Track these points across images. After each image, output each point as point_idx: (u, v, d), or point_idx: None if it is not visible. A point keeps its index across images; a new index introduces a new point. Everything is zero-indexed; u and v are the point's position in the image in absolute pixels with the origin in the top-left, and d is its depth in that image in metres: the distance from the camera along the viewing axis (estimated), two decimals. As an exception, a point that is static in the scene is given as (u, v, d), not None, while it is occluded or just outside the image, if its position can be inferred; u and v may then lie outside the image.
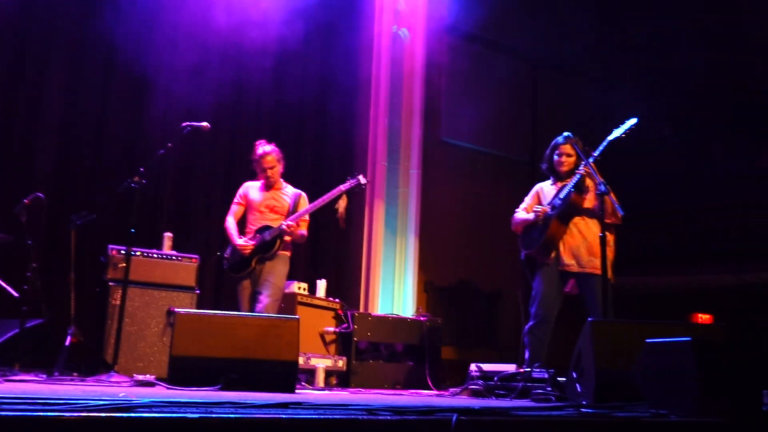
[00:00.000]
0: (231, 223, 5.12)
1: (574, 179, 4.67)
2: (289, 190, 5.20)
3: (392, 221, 7.93)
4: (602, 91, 10.33)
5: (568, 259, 4.67)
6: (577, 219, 4.69)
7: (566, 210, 4.68)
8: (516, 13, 9.24)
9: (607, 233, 4.50)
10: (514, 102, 9.36)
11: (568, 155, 4.79)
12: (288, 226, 4.90)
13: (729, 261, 8.92)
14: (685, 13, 10.29)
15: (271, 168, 5.09)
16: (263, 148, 5.11)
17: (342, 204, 4.93)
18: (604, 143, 4.59)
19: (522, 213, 4.93)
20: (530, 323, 4.68)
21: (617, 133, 4.57)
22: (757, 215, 8.93)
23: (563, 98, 9.81)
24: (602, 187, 4.27)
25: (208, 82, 6.58)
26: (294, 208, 5.03)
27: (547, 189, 4.94)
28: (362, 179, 5.04)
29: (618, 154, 4.73)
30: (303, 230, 5.05)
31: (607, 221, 4.49)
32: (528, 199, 5.01)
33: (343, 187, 4.99)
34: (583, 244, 4.65)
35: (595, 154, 4.58)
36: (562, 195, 4.73)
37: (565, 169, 4.82)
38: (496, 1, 8.70)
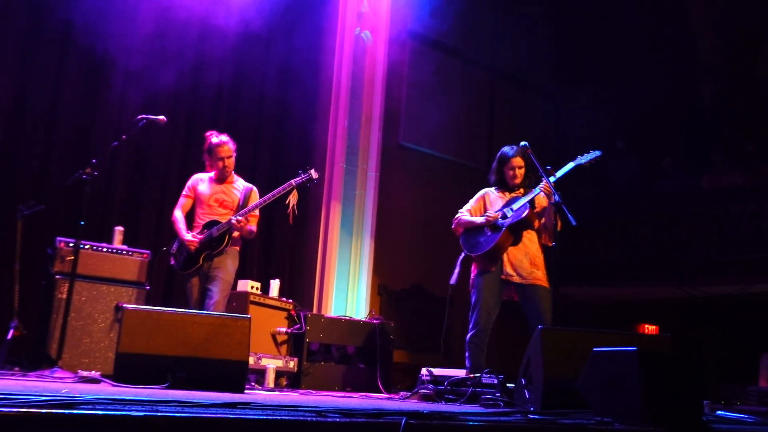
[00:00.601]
0: (179, 216, 4.95)
1: (531, 195, 4.70)
2: (240, 185, 5.06)
3: (348, 223, 7.91)
4: (558, 105, 10.54)
5: (510, 270, 4.71)
6: (524, 232, 4.77)
7: (520, 224, 4.73)
8: (479, 23, 9.36)
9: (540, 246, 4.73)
10: (473, 110, 9.47)
11: (520, 167, 4.83)
12: (237, 221, 4.77)
13: (674, 274, 9.14)
14: (641, 35, 10.57)
15: (229, 158, 4.94)
16: (219, 137, 4.95)
17: (293, 199, 4.83)
18: (568, 168, 4.65)
19: (467, 215, 4.94)
20: (471, 332, 4.71)
21: (581, 160, 4.66)
22: (701, 229, 9.16)
23: (520, 110, 9.99)
24: (557, 197, 4.33)
25: (167, 71, 6.41)
26: (244, 203, 4.91)
27: (492, 196, 4.96)
28: (314, 174, 4.93)
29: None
30: (252, 226, 4.94)
31: (543, 237, 4.77)
32: (473, 203, 5.02)
33: (294, 182, 4.87)
34: (526, 256, 4.71)
35: (558, 176, 4.61)
36: (515, 207, 4.76)
37: (518, 181, 4.86)
38: (460, 9, 8.81)
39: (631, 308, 10.81)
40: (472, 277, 4.91)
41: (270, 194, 4.84)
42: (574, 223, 4.32)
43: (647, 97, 9.97)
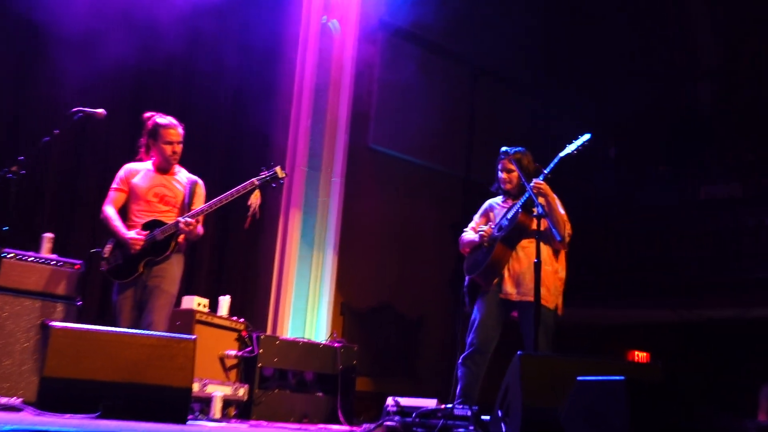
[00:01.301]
0: (112, 212, 4.67)
1: (523, 198, 4.71)
2: (183, 177, 4.83)
3: (309, 233, 7.86)
4: (546, 107, 10.65)
5: (509, 287, 4.71)
6: (524, 242, 4.74)
7: (512, 232, 4.72)
8: (460, 16, 9.39)
9: (553, 258, 4.71)
10: (450, 111, 9.50)
11: (508, 171, 4.85)
12: (186, 224, 4.53)
13: (666, 295, 9.23)
14: (635, 33, 10.75)
15: (179, 143, 4.73)
16: (166, 117, 4.77)
17: (255, 201, 4.61)
18: (556, 159, 4.69)
19: (470, 233, 4.95)
20: (465, 353, 4.70)
21: (570, 149, 4.71)
22: (697, 246, 9.28)
23: (504, 111, 10.04)
24: (540, 209, 4.37)
25: (109, 56, 6.23)
26: (190, 199, 4.72)
27: (497, 207, 4.99)
28: (280, 172, 4.71)
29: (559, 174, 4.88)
30: (200, 227, 4.70)
31: (553, 246, 4.69)
32: (477, 218, 5.05)
33: (256, 180, 4.66)
34: (529, 270, 4.64)
35: (546, 171, 4.67)
36: (509, 215, 4.78)
37: (508, 187, 4.89)
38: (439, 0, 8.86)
39: (619, 333, 10.91)
40: (476, 298, 4.92)
41: (227, 193, 4.63)
42: (558, 237, 4.41)
43: (640, 99, 10.10)
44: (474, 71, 9.86)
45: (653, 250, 9.48)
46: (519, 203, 4.72)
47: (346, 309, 8.27)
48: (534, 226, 4.55)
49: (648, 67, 10.64)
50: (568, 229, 4.74)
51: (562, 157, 4.70)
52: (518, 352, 3.34)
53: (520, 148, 4.85)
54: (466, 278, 4.91)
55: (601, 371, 3.04)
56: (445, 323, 8.74)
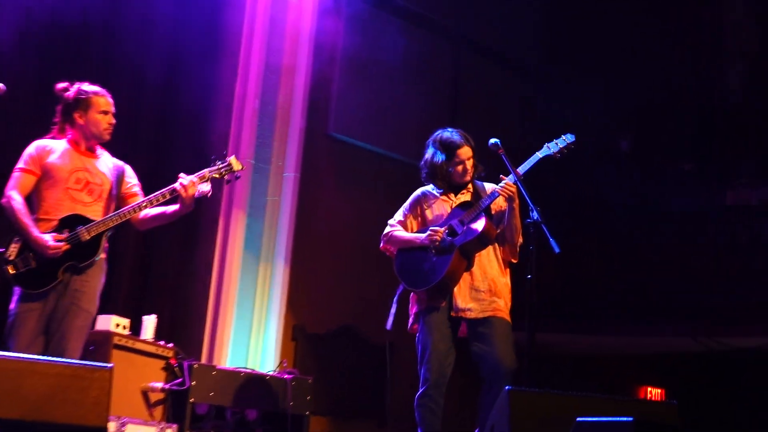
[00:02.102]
0: (19, 201, 4.50)
1: (488, 199, 4.79)
2: (107, 161, 4.82)
3: (255, 241, 7.80)
4: (548, 92, 10.67)
5: (464, 302, 4.78)
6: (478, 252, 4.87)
7: (474, 242, 4.77)
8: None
9: (503, 268, 4.88)
10: (429, 92, 9.50)
11: (469, 158, 4.91)
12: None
13: (686, 319, 9.27)
14: (654, 9, 10.82)
15: (113, 113, 4.73)
16: (91, 86, 4.75)
17: (207, 188, 4.63)
18: (532, 161, 4.79)
19: (400, 229, 5.03)
20: (421, 390, 4.78)
21: (550, 150, 4.82)
22: (722, 261, 9.38)
23: (493, 93, 10.04)
24: (535, 215, 4.42)
25: (10, 15, 6.22)
26: (118, 190, 4.72)
27: (433, 199, 5.04)
28: (235, 163, 4.75)
29: (551, 170, 4.93)
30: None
31: (504, 257, 4.87)
32: (406, 210, 5.11)
33: (208, 172, 4.66)
34: (484, 281, 4.81)
35: (521, 171, 4.72)
36: (465, 217, 4.80)
37: (468, 178, 4.96)
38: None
39: (628, 364, 10.99)
40: (411, 317, 4.97)
41: (169, 188, 4.60)
42: (557, 249, 4.39)
43: (659, 85, 10.20)
44: (458, 46, 9.88)
45: (671, 265, 9.53)
46: (484, 204, 4.78)
47: (299, 332, 8.21)
48: (494, 234, 4.80)
49: (669, 49, 10.70)
50: (520, 239, 4.88)
51: (540, 159, 4.80)
52: (506, 387, 3.36)
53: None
54: (400, 288, 4.98)
55: (605, 410, 3.07)
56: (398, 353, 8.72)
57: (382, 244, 5.11)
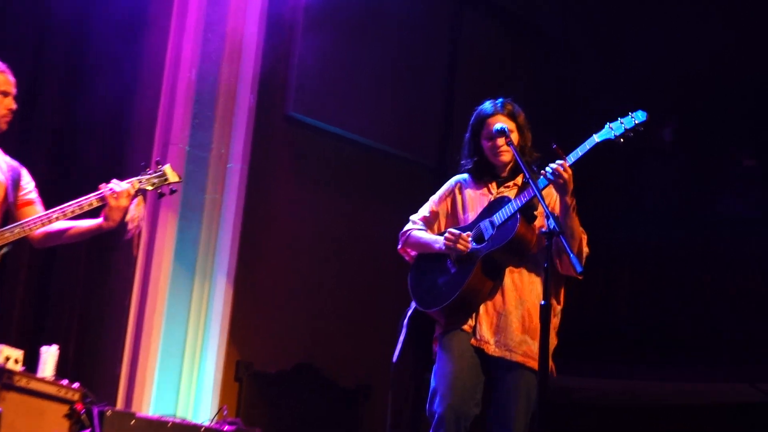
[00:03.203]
0: None
1: (528, 193, 4.64)
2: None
3: (189, 251, 7.78)
4: (571, 63, 10.72)
5: (485, 332, 4.72)
6: (513, 262, 4.78)
7: (504, 250, 4.67)
8: None
9: (552, 294, 4.64)
10: (419, 61, 9.50)
11: (504, 132, 4.79)
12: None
13: (742, 360, 9.27)
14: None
15: (13, 95, 4.72)
16: None
17: (137, 212, 4.68)
18: (588, 146, 4.65)
19: (420, 230, 5.00)
20: (436, 414, 4.65)
21: (612, 132, 4.63)
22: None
23: (502, 65, 10.08)
24: (552, 223, 4.37)
25: None
26: (15, 196, 4.76)
27: (469, 191, 5.02)
28: (171, 173, 4.77)
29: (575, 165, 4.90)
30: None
31: (563, 272, 4.69)
32: (436, 202, 5.08)
33: (137, 182, 4.69)
34: (516, 311, 4.73)
35: (572, 159, 4.61)
36: (497, 218, 4.73)
37: (504, 159, 4.88)
38: None
39: (669, 415, 11.01)
40: (435, 338, 4.89)
41: (96, 194, 4.63)
42: (579, 268, 4.29)
43: (711, 57, 10.23)
44: (459, 2, 9.93)
45: (726, 289, 9.59)
46: (520, 203, 4.66)
47: (244, 371, 8.19)
48: (535, 242, 4.66)
49: (722, 11, 10.76)
50: (585, 249, 4.78)
51: (597, 144, 4.65)
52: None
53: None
54: (412, 306, 4.95)
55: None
56: (402, 396, 8.71)
57: (399, 245, 5.10)
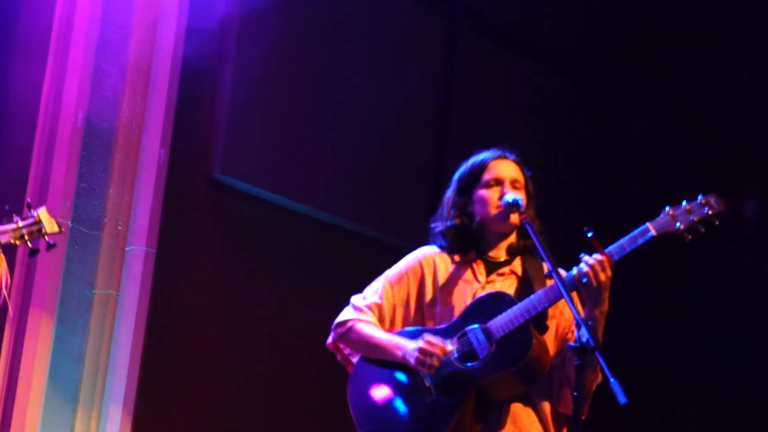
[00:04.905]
0: None
1: (550, 294, 4.64)
2: None
3: (69, 370, 7.59)
4: (594, 94, 10.89)
5: None
6: (514, 390, 4.86)
7: (513, 378, 4.72)
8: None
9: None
10: (403, 92, 9.54)
11: (514, 180, 4.97)
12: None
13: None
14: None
15: None
16: None
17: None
18: (641, 238, 4.75)
19: (371, 318, 4.97)
20: None
21: (677, 222, 4.73)
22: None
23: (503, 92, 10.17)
24: (584, 335, 4.30)
25: None
26: None
27: (443, 272, 5.02)
28: (48, 221, 5.26)
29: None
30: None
31: (561, 410, 4.91)
32: (389, 288, 5.07)
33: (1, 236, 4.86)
34: None
35: (613, 256, 4.63)
36: (495, 327, 4.72)
37: (512, 222, 4.87)
38: None
39: None
40: None
41: None
42: (623, 399, 4.28)
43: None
44: (453, 19, 10.18)
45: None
46: (535, 307, 4.67)
47: None
48: (549, 364, 4.73)
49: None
50: (598, 378, 4.78)
51: (652, 239, 4.74)
52: None
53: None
54: None
55: None
56: None
57: (331, 339, 5.06)
